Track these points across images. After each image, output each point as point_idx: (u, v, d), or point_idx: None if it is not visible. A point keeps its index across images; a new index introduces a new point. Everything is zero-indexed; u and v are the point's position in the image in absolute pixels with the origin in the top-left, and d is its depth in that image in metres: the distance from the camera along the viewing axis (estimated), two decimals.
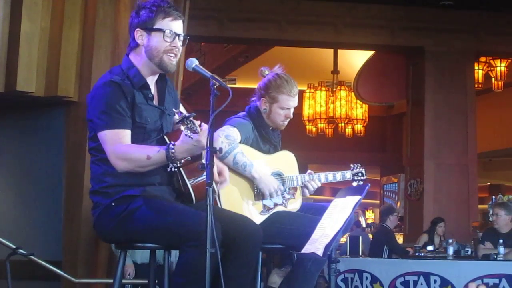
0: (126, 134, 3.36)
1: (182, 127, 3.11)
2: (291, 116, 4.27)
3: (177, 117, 3.13)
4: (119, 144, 3.32)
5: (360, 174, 4.52)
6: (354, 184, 4.48)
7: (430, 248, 9.29)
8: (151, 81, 3.54)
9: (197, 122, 3.14)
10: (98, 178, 3.44)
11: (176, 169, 3.30)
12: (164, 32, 3.41)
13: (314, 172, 4.31)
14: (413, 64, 11.59)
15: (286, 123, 4.29)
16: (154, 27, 3.42)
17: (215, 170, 3.52)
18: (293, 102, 4.25)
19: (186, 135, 3.12)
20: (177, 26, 3.46)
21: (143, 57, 3.47)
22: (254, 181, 4.04)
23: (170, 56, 3.45)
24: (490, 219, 8.14)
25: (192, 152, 3.26)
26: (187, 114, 3.10)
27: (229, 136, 4.00)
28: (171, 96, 3.66)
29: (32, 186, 7.20)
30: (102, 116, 3.35)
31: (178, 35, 3.45)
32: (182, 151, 3.23)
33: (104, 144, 3.36)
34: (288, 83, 4.23)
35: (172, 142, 3.27)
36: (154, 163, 3.29)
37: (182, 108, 3.78)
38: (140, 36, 3.45)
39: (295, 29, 10.84)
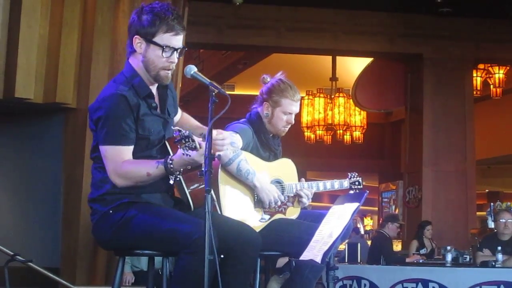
0: (128, 151, 3.34)
1: (179, 146, 3.11)
2: (293, 121, 4.28)
3: (175, 135, 3.10)
4: (120, 162, 3.30)
5: (357, 183, 4.53)
6: (351, 192, 4.48)
7: (423, 251, 9.28)
8: (153, 87, 3.51)
9: (197, 139, 3.13)
10: (98, 184, 3.43)
11: (178, 179, 3.29)
12: (163, 48, 3.35)
13: (312, 180, 4.32)
14: (412, 71, 11.60)
15: (287, 129, 4.30)
16: (153, 40, 3.35)
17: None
18: (296, 107, 4.27)
19: (183, 153, 3.11)
20: (177, 41, 3.39)
21: (141, 64, 3.44)
22: (255, 189, 4.03)
23: (166, 71, 3.43)
24: (492, 225, 8.09)
25: (190, 165, 3.24)
26: (185, 134, 3.08)
27: (233, 143, 3.99)
28: (172, 98, 3.63)
29: (30, 192, 7.20)
30: (105, 130, 3.32)
31: (176, 49, 3.40)
32: (181, 164, 3.22)
33: (104, 159, 3.35)
34: (292, 88, 4.25)
35: (169, 156, 3.25)
36: (154, 178, 3.28)
37: (178, 111, 3.77)
38: (138, 43, 3.40)
39: (293, 36, 10.83)
